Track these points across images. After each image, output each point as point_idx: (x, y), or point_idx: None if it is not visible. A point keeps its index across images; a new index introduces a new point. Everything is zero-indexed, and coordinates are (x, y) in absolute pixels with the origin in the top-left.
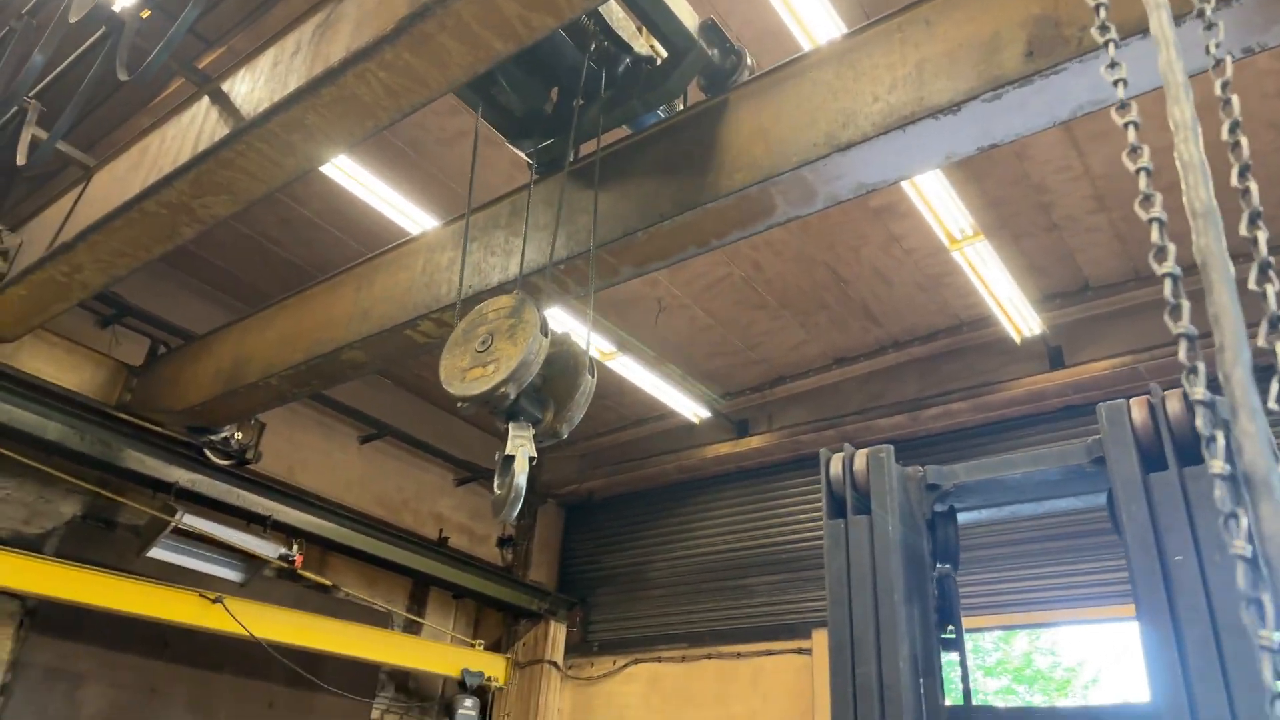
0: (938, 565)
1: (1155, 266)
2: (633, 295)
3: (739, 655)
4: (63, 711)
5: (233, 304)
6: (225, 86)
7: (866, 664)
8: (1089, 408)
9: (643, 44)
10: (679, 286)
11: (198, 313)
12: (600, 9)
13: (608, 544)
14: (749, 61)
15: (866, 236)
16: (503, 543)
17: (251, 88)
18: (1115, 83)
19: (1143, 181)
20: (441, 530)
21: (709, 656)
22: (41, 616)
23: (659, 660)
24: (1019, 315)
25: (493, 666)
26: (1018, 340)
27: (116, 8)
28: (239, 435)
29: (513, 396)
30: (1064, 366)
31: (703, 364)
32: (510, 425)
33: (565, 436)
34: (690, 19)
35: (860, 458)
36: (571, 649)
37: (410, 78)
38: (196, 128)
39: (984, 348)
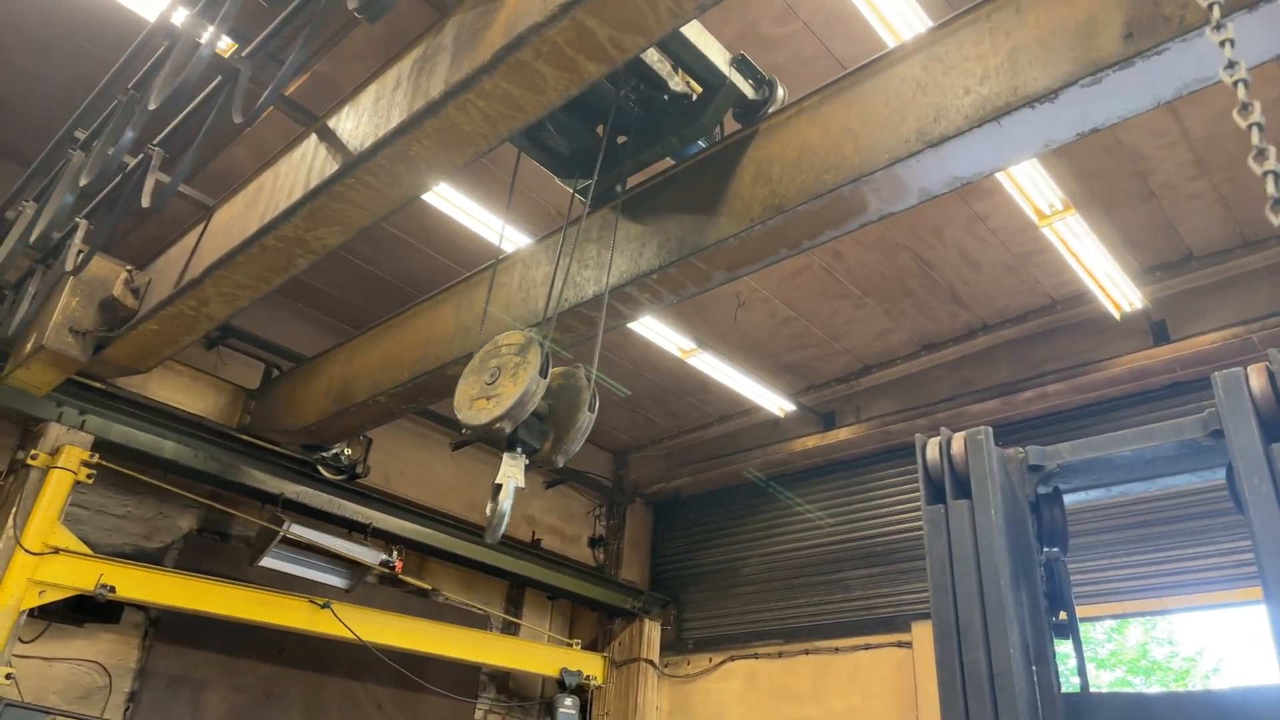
0: (1045, 549)
1: (1272, 218)
2: (711, 292)
3: (836, 650)
4: (187, 716)
5: (328, 322)
6: (332, 124)
7: (975, 651)
8: (1198, 384)
9: (678, 82)
10: (757, 280)
11: (297, 332)
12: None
13: (698, 541)
14: (780, 92)
15: (950, 217)
16: (594, 543)
17: (356, 124)
18: (1222, 43)
19: (1255, 136)
20: (534, 532)
21: (806, 652)
22: (164, 626)
23: (755, 657)
24: (1117, 290)
25: (590, 665)
26: (1117, 316)
27: (226, 53)
28: (348, 451)
29: (509, 431)
30: (1169, 341)
31: (785, 357)
32: (505, 455)
33: (561, 465)
34: (721, 57)
35: (958, 440)
36: (667, 647)
37: (508, 105)
38: (307, 165)
39: (1080, 326)
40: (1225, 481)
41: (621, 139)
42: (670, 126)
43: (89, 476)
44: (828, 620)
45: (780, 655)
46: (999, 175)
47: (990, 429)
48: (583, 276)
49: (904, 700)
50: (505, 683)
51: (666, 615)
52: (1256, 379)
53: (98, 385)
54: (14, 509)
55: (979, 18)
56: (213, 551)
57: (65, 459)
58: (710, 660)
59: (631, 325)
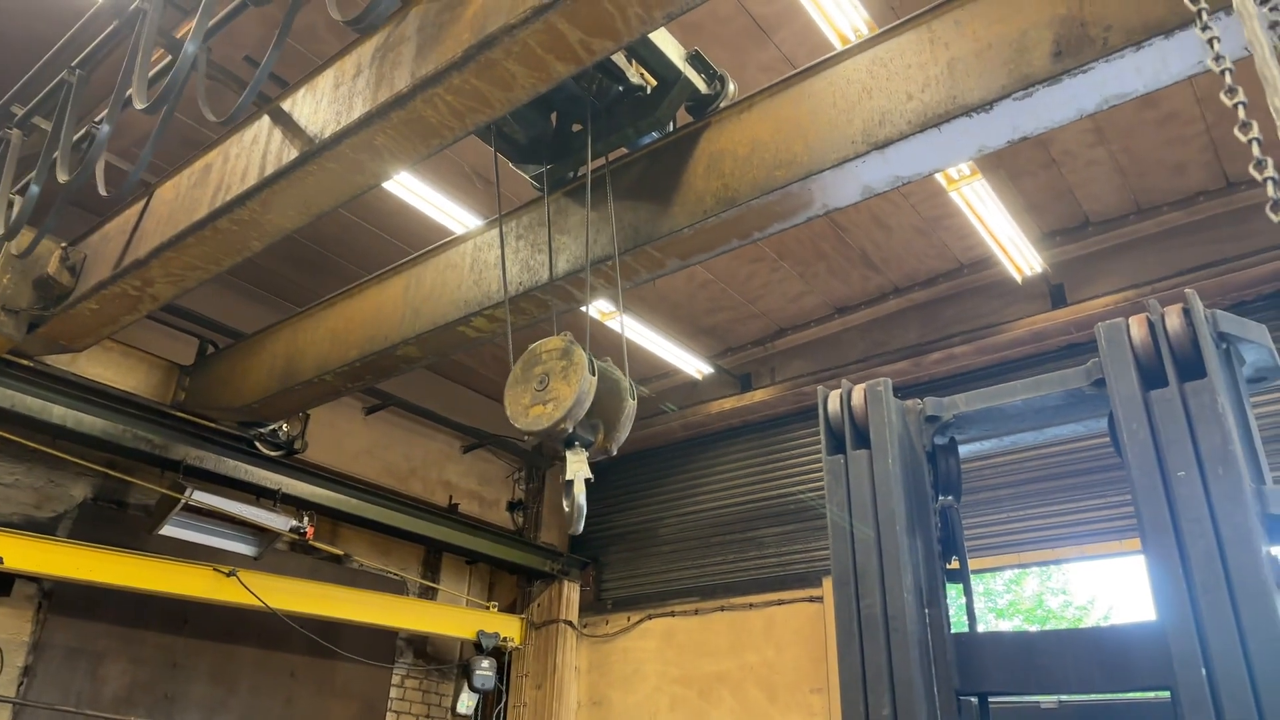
0: (939, 497)
1: (1273, 216)
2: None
3: (751, 606)
4: (86, 689)
5: (264, 297)
6: (286, 106)
7: (870, 595)
8: (1092, 345)
9: (635, 74)
10: None
11: (231, 307)
12: None
13: (617, 503)
14: (731, 87)
15: None
16: (513, 507)
17: (315, 109)
18: (1222, 72)
19: (1255, 149)
20: (451, 497)
21: (721, 609)
22: (59, 598)
23: (672, 615)
24: (1019, 254)
25: (507, 628)
26: (1019, 280)
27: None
28: (286, 427)
29: (570, 430)
30: (1066, 304)
31: (704, 320)
32: (567, 452)
33: (615, 452)
34: (676, 52)
35: (858, 392)
36: (586, 608)
37: (476, 100)
38: (261, 148)
39: (985, 289)
40: (1108, 430)
41: (576, 127)
42: (626, 117)
43: None
44: (743, 577)
45: (697, 613)
46: None
47: (889, 380)
48: (537, 260)
49: (815, 651)
50: (423, 647)
51: (585, 576)
52: (1137, 329)
53: (42, 367)
54: None
55: (920, 25)
56: (110, 520)
57: None
58: (629, 619)
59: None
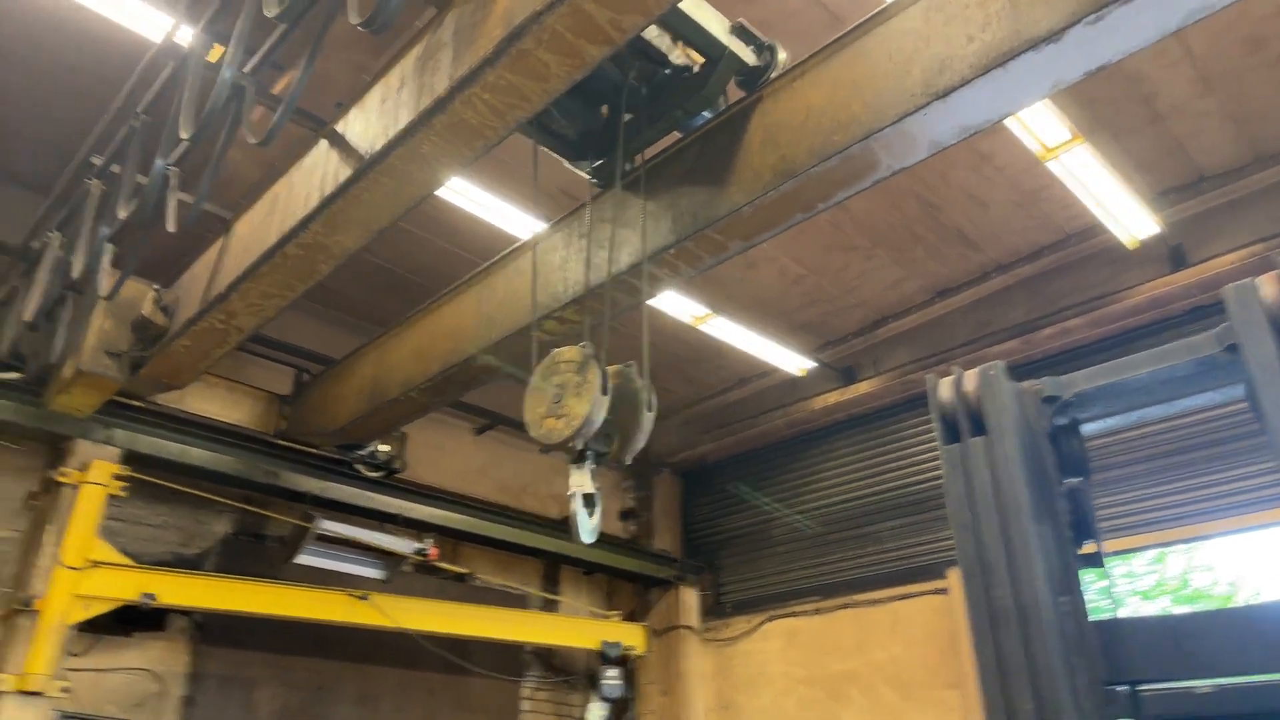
0: (1066, 480)
1: None
2: None
3: (874, 602)
4: (241, 715)
5: (351, 322)
6: (340, 128)
7: (1001, 586)
8: (1219, 307)
9: (679, 54)
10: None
11: (321, 335)
12: None
13: (728, 506)
14: (781, 56)
15: (953, 160)
16: (625, 515)
17: (365, 126)
18: None
19: None
20: (564, 510)
21: (844, 607)
22: (210, 630)
23: (794, 615)
24: (1130, 218)
25: (630, 636)
26: (1132, 245)
27: (227, 75)
28: (383, 448)
29: (580, 446)
30: (1187, 266)
31: (799, 315)
32: (571, 467)
33: (629, 462)
34: (719, 26)
35: (970, 377)
36: (706, 612)
37: (513, 95)
38: (320, 171)
39: (1095, 258)
40: (1245, 398)
41: (627, 117)
42: (674, 100)
43: (122, 489)
44: (863, 573)
45: (818, 611)
46: None
47: (1002, 363)
48: (599, 258)
49: (946, 645)
50: (550, 660)
51: (703, 581)
52: (1268, 288)
53: (132, 402)
54: (51, 526)
55: None
56: (249, 553)
57: (95, 474)
58: (749, 622)
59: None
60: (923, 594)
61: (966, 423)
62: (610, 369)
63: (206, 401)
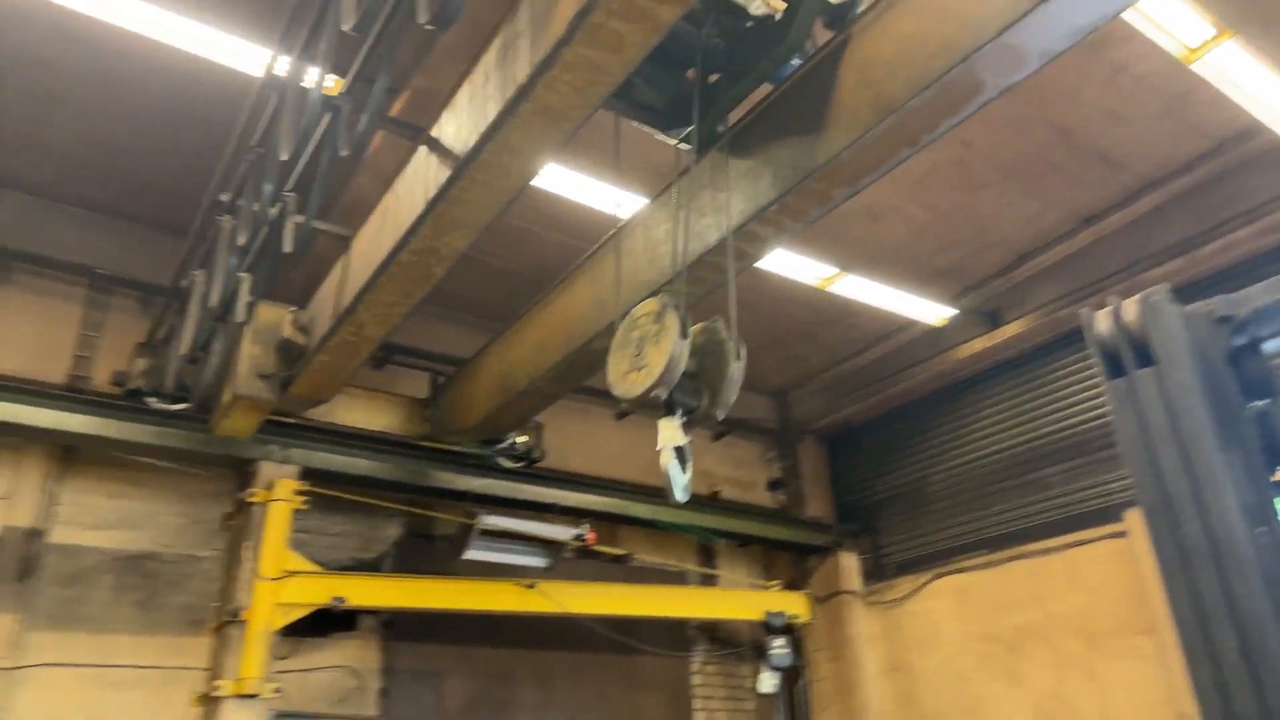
0: (1251, 403)
1: None
2: (839, 212)
3: (1047, 551)
4: (433, 703)
5: (479, 323)
6: (435, 133)
7: (1189, 524)
8: None
9: (758, 4)
10: (886, 190)
11: (453, 338)
12: None
13: (879, 467)
14: None
15: (1084, 76)
16: (773, 486)
17: (458, 127)
18: None
19: None
20: (711, 485)
21: (1015, 558)
22: (397, 626)
23: (962, 571)
24: None
25: (793, 605)
26: None
27: (317, 90)
28: (521, 439)
29: (664, 396)
30: None
31: (933, 263)
32: (660, 421)
33: (721, 419)
34: None
35: (1130, 307)
36: (868, 575)
37: (592, 71)
38: (422, 178)
39: (1257, 161)
40: None
41: (713, 77)
42: (759, 52)
43: (304, 503)
44: (1032, 522)
45: (988, 565)
46: (1131, 16)
47: (1166, 286)
48: (703, 225)
49: (1130, 590)
50: (714, 633)
51: (861, 545)
52: None
53: (293, 420)
54: (248, 543)
55: None
56: (421, 553)
57: (280, 491)
58: (915, 582)
59: (764, 265)
60: (1099, 539)
61: (1130, 355)
62: (696, 326)
63: (353, 412)
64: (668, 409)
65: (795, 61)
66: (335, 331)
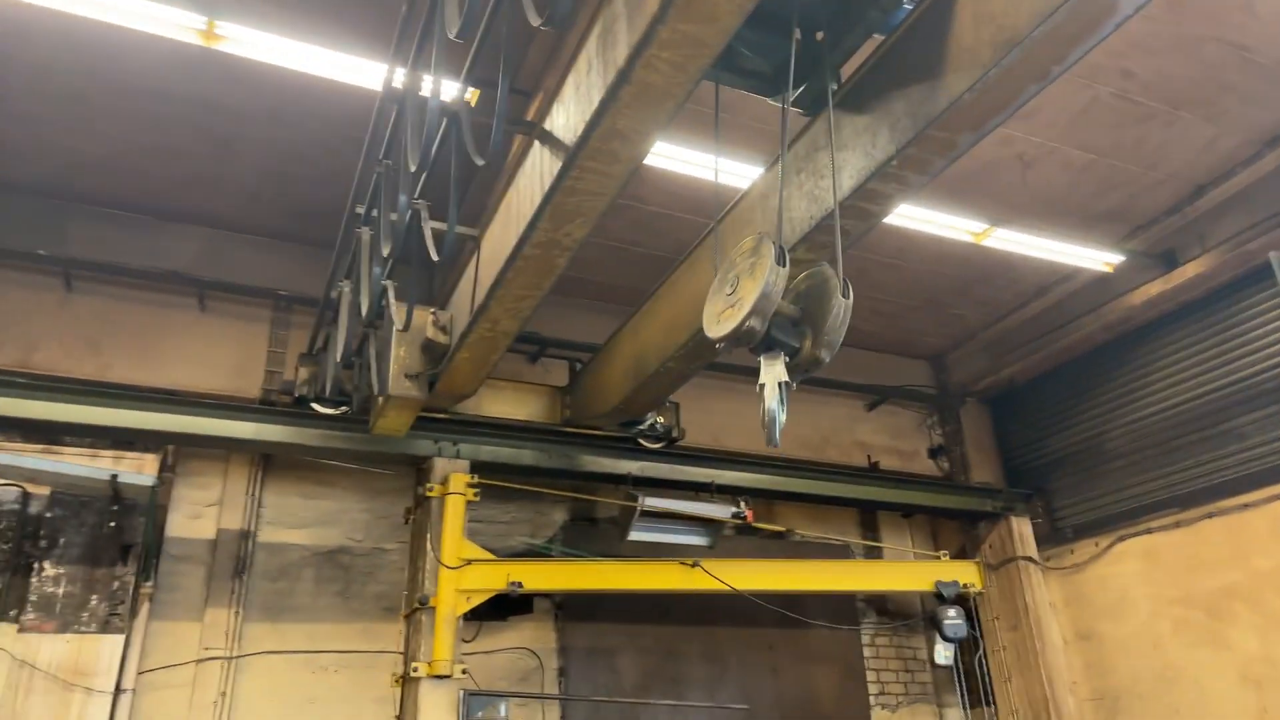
0: None
1: None
2: (987, 162)
3: (1246, 506)
4: (609, 680)
5: (620, 310)
6: (548, 125)
7: None
8: None
9: None
10: (1037, 133)
11: (596, 327)
12: None
13: (1048, 426)
14: None
15: None
16: (934, 453)
17: (567, 118)
18: None
19: None
20: (869, 456)
21: (1209, 515)
22: (569, 608)
23: (1149, 531)
24: None
25: (965, 574)
26: None
27: (446, 99)
28: (660, 419)
29: (760, 329)
30: None
31: (1095, 206)
32: (761, 358)
33: (827, 361)
34: None
35: None
36: (1044, 540)
37: (689, 45)
38: (538, 171)
39: None
40: None
41: (820, 35)
42: (866, 2)
43: (475, 495)
44: (1227, 476)
45: (1178, 525)
46: None
47: None
48: (820, 188)
49: None
50: (883, 605)
51: (1034, 508)
52: None
53: (460, 418)
54: (429, 535)
55: None
56: (587, 536)
57: (454, 485)
58: (1097, 545)
59: (913, 224)
60: None
61: None
62: (800, 273)
63: (498, 404)
64: (765, 347)
65: (906, 7)
66: (472, 328)
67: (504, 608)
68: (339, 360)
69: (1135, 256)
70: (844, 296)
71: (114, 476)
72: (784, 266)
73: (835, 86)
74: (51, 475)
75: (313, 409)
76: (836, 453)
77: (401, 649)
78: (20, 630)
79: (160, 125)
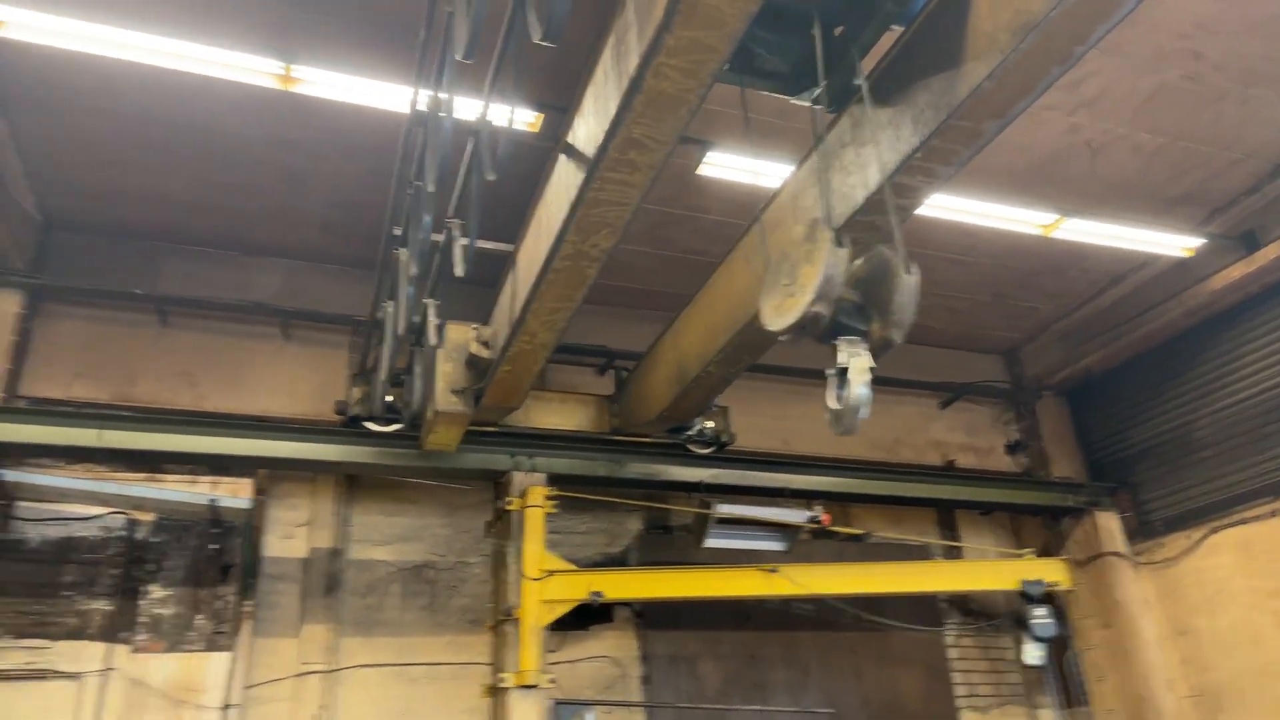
0: None
1: None
2: (1053, 151)
3: None
4: (691, 687)
5: (659, 316)
6: (570, 139)
7: None
8: None
9: None
10: (1104, 119)
11: (637, 335)
12: None
13: (1131, 418)
14: None
15: None
16: (1012, 449)
17: (587, 130)
18: None
19: None
20: (945, 455)
21: None
22: (649, 616)
23: (1243, 522)
24: None
25: (1051, 572)
26: None
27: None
28: (709, 424)
29: (826, 315)
30: None
31: (1170, 190)
32: (838, 341)
33: (899, 342)
34: None
35: None
36: (1132, 534)
37: (697, 51)
38: (564, 184)
39: None
40: None
41: (838, 30)
42: None
43: (554, 507)
44: None
45: (1274, 514)
46: None
47: None
48: (849, 184)
49: None
50: (966, 605)
51: (1120, 502)
52: None
53: (530, 430)
54: (511, 548)
55: None
56: (661, 544)
57: (532, 498)
58: (1189, 538)
59: (979, 220)
60: None
61: None
62: (858, 259)
63: (547, 416)
64: (834, 333)
65: None
66: (512, 342)
67: (585, 617)
68: (385, 379)
69: (1215, 240)
70: (908, 273)
71: (213, 501)
72: (844, 247)
73: (860, 81)
74: (156, 502)
75: (365, 428)
76: (911, 453)
77: (488, 660)
78: (133, 651)
79: (238, 164)
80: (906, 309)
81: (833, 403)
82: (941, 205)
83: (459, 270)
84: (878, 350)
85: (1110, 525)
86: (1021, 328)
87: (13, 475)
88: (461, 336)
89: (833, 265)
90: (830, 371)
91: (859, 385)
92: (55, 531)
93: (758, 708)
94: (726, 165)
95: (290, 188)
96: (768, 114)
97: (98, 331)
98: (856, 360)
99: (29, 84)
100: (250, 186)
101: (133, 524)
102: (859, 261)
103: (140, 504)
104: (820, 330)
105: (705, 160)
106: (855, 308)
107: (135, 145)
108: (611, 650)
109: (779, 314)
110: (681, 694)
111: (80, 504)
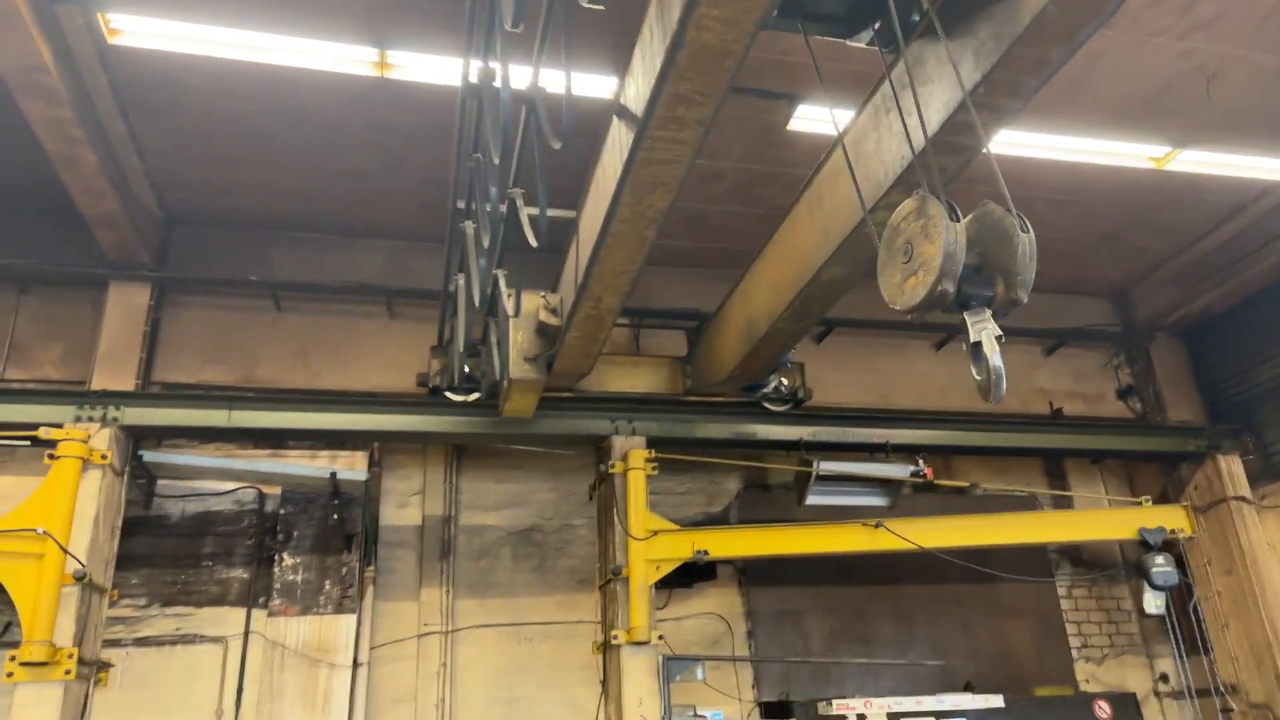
0: None
1: None
2: (1165, 81)
3: None
4: (796, 641)
5: (728, 274)
6: (623, 100)
7: None
8: None
9: None
10: (1219, 43)
11: (709, 294)
12: None
13: (1253, 357)
14: None
15: None
16: (1124, 393)
17: (636, 90)
18: None
19: None
20: (1051, 402)
21: None
22: (752, 573)
23: None
24: None
25: (1171, 519)
26: None
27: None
28: (785, 381)
29: (952, 291)
30: None
31: None
32: (965, 314)
33: (1025, 301)
34: None
35: None
36: (1255, 478)
37: (736, 0)
38: (617, 146)
39: None
40: None
41: None
42: None
43: (654, 469)
44: None
45: None
46: None
47: None
48: (910, 126)
49: None
50: (1078, 556)
51: (1243, 444)
52: None
53: (629, 395)
54: (615, 510)
55: None
56: (762, 502)
57: (633, 460)
58: None
59: (1080, 159)
60: None
61: None
62: (965, 218)
63: (620, 379)
64: (961, 305)
65: None
66: (579, 307)
67: (690, 575)
68: (462, 350)
69: None
70: (1024, 232)
71: (333, 474)
72: (959, 221)
73: (915, 19)
74: (281, 476)
75: (446, 397)
76: (1015, 402)
77: (598, 618)
78: (270, 615)
79: (339, 151)
80: (1028, 269)
81: (977, 375)
82: (1043, 145)
83: (532, 240)
84: (1004, 311)
85: (1233, 469)
86: (1131, 268)
87: (152, 455)
88: (531, 305)
89: (952, 241)
90: (965, 347)
91: (994, 358)
92: (193, 507)
93: (866, 660)
94: (817, 119)
95: (388, 170)
96: (855, 61)
97: (219, 318)
98: (987, 333)
99: (145, 87)
100: (351, 172)
101: (262, 497)
102: (968, 219)
103: (268, 478)
104: (948, 304)
105: (796, 115)
106: (974, 271)
107: (243, 139)
108: (716, 607)
109: (903, 293)
110: (787, 648)
111: (214, 480)
